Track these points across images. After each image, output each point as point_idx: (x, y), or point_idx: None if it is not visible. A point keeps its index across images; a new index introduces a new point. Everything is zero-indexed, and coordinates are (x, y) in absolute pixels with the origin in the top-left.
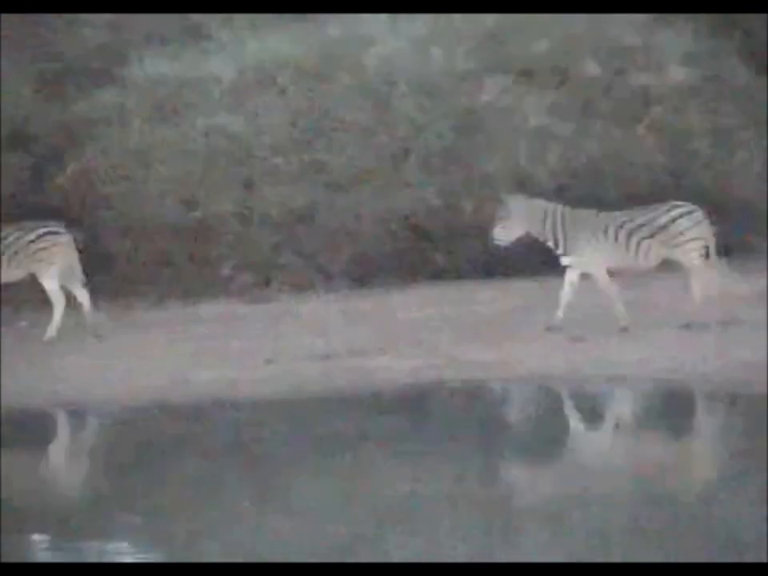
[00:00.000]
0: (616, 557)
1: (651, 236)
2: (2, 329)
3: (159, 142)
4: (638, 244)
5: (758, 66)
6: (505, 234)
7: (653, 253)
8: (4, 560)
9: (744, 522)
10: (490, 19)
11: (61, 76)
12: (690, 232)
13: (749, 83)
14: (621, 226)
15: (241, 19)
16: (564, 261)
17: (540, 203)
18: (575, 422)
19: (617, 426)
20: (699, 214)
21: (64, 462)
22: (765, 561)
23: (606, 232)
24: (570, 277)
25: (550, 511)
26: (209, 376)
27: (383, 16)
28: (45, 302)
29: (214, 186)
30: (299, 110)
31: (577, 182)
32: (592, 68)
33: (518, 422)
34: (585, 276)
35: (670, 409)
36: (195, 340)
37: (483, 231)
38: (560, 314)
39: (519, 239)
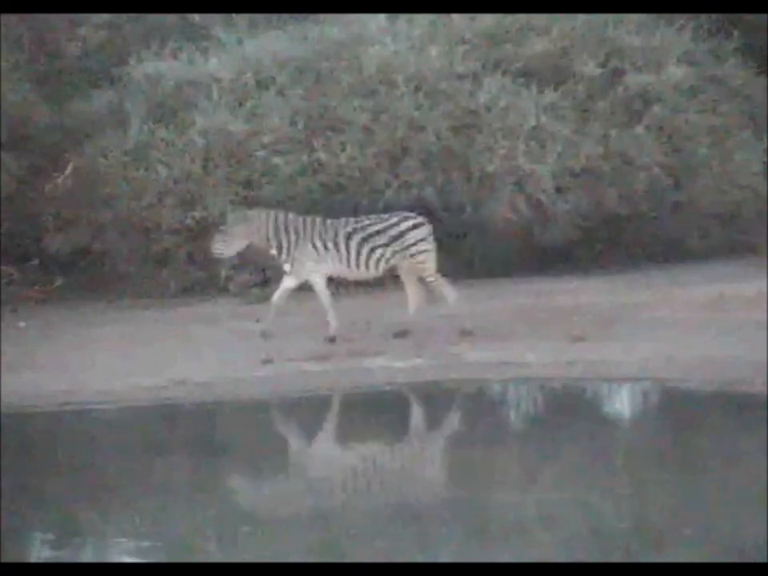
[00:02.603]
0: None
1: (386, 245)
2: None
3: (158, 142)
4: (370, 252)
5: (759, 66)
6: (224, 246)
7: (383, 262)
8: (4, 560)
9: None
10: (489, 19)
11: (60, 76)
12: (422, 244)
13: (749, 83)
14: (351, 234)
15: (241, 19)
16: (285, 268)
17: (260, 213)
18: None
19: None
20: (429, 228)
21: (63, 461)
22: (765, 561)
23: (334, 239)
24: (288, 283)
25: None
26: (207, 376)
27: (382, 16)
28: (43, 301)
29: (214, 185)
30: (299, 110)
31: (576, 182)
32: (591, 68)
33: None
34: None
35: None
36: (194, 340)
37: (483, 231)
38: (332, 322)
39: (242, 251)
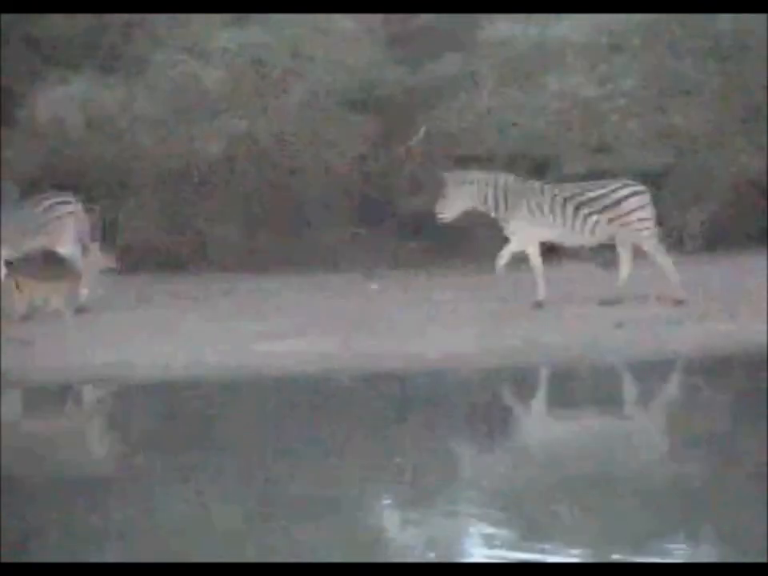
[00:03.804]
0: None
1: (600, 212)
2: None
3: (511, 105)
4: (585, 219)
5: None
6: (447, 208)
7: (599, 229)
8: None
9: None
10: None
11: (409, 40)
12: (640, 212)
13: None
14: (568, 199)
15: None
16: (506, 231)
17: (480, 175)
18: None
19: None
20: (648, 196)
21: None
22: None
23: (551, 204)
24: (512, 247)
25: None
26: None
27: None
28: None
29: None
30: (650, 74)
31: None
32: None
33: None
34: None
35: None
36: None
37: None
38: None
39: (465, 213)
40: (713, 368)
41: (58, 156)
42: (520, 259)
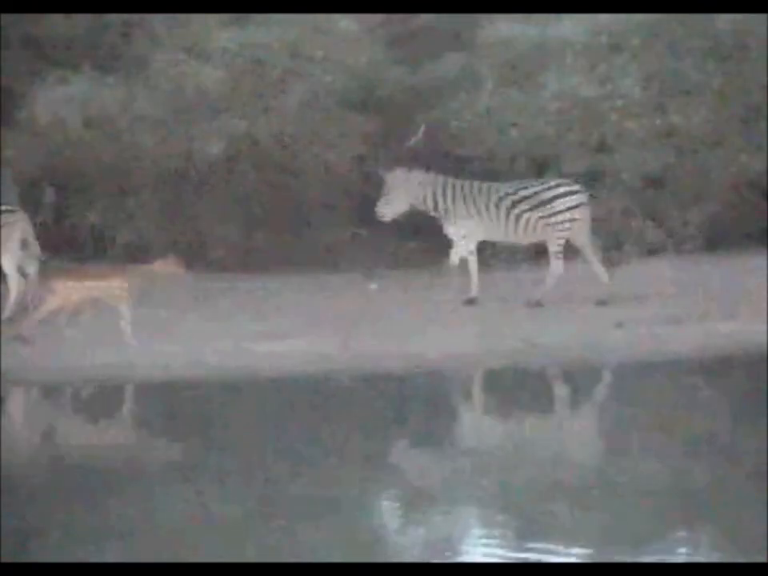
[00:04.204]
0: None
1: (530, 210)
2: None
3: (511, 105)
4: (517, 218)
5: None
6: (387, 208)
7: (531, 227)
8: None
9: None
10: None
11: (410, 40)
12: (571, 212)
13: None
14: (502, 198)
15: None
16: (446, 231)
17: (419, 175)
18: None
19: None
20: (583, 196)
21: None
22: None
23: (486, 204)
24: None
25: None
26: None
27: None
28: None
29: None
30: (650, 74)
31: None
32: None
33: None
34: None
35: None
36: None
37: None
38: (473, 288)
39: (404, 212)
40: (713, 368)
41: (58, 156)
42: (521, 259)
